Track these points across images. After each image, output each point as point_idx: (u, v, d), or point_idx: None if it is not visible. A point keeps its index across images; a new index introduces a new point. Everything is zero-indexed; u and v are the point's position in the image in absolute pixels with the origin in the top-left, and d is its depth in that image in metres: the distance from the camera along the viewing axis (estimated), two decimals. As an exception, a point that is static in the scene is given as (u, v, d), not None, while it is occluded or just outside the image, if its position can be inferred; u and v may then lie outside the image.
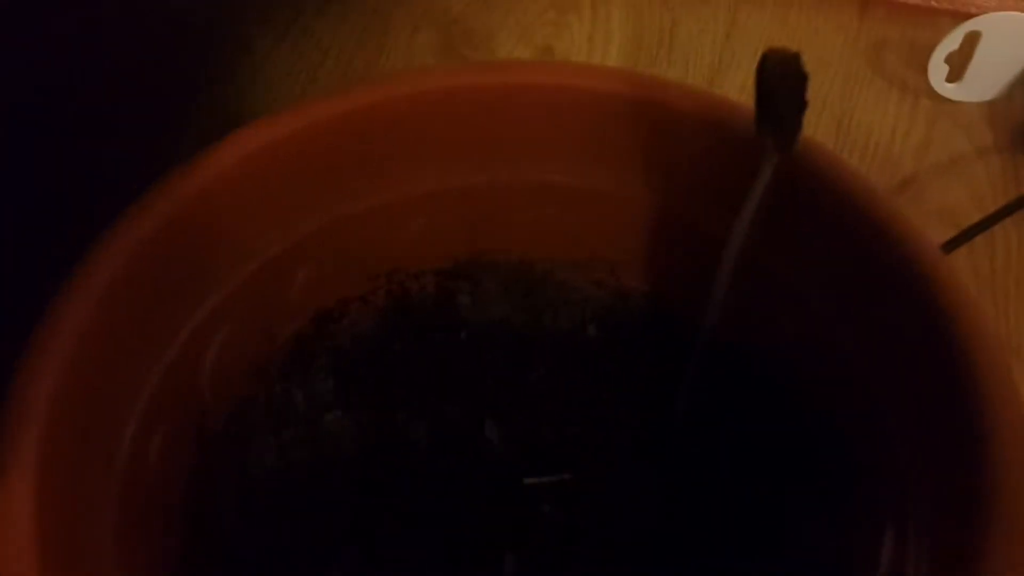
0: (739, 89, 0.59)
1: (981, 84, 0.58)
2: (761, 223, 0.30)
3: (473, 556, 0.32)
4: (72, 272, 0.27)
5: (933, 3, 0.63)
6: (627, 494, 0.34)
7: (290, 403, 0.34)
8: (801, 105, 0.27)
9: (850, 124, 0.61)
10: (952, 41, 0.55)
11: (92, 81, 0.45)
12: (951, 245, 0.48)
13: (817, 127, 0.60)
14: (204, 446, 0.31)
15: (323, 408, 0.34)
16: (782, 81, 0.26)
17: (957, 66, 0.57)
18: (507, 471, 0.34)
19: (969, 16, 0.55)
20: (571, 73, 0.33)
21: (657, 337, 0.36)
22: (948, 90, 0.58)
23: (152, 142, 0.46)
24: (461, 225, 0.36)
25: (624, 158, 0.34)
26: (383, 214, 0.34)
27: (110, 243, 0.27)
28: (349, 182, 0.33)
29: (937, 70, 0.57)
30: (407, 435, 0.34)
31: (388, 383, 0.35)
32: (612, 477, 0.34)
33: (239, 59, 0.58)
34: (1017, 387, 0.28)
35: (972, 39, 0.56)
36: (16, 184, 0.40)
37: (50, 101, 0.43)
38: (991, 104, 0.60)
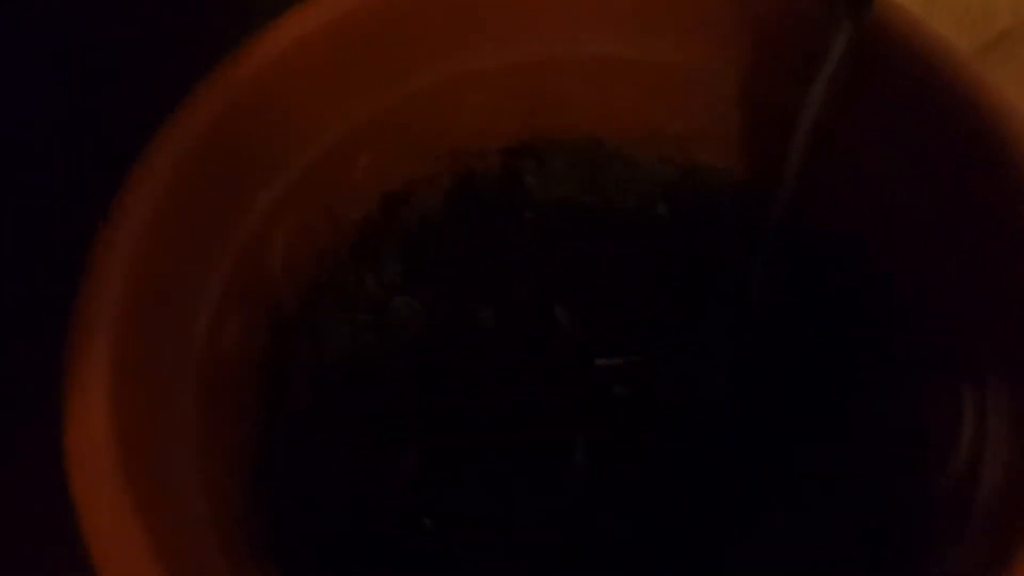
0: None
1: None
2: (837, 95, 0.29)
3: (543, 438, 0.32)
4: (134, 164, 0.27)
5: None
6: (699, 374, 0.33)
7: (360, 287, 0.34)
8: None
9: (942, -24, 0.57)
10: None
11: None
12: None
13: (906, -20, 0.57)
14: (278, 331, 0.32)
15: (392, 291, 0.34)
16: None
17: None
18: (577, 353, 0.34)
19: None
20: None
21: (730, 215, 0.35)
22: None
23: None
24: (521, 102, 0.35)
25: (689, 26, 0.32)
26: (439, 94, 0.34)
27: (169, 133, 0.27)
28: (403, 63, 0.33)
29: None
30: (475, 318, 0.34)
31: (455, 266, 0.35)
32: (684, 358, 0.34)
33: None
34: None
35: None
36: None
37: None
38: (1098, -52, 0.56)
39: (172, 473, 0.25)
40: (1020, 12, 0.56)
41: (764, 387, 0.33)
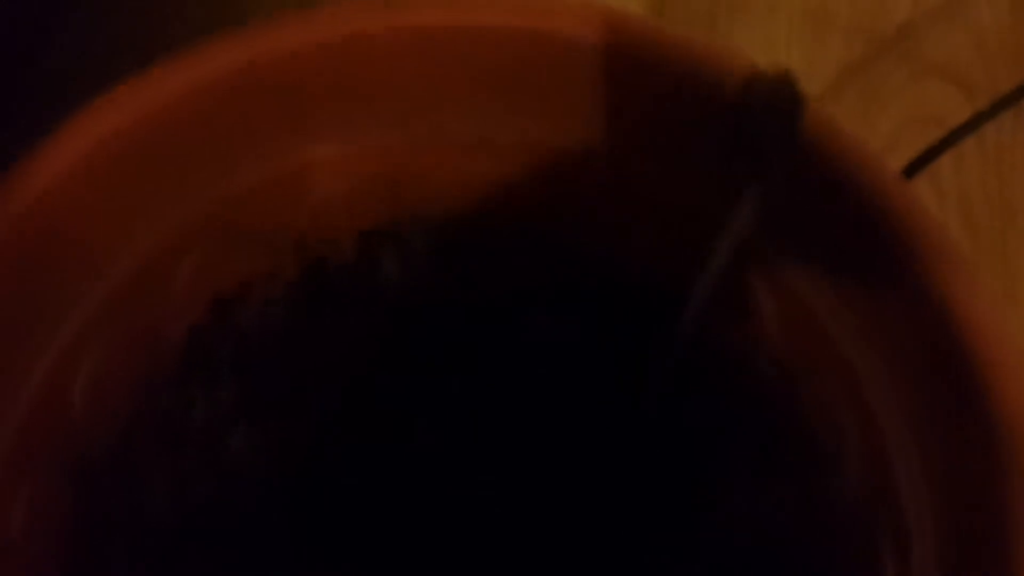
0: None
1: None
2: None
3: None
4: None
5: None
6: (586, 500, 0.29)
7: (186, 418, 0.29)
8: (793, 140, 0.20)
9: (839, -35, 0.53)
10: None
11: None
12: (952, 138, 0.42)
13: (802, -31, 0.52)
14: (85, 489, 0.26)
15: (226, 421, 0.29)
16: (771, 116, 0.20)
17: None
18: (449, 478, 0.29)
19: None
20: (486, 9, 0.26)
21: (615, 305, 0.31)
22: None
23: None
24: (379, 187, 0.30)
25: (566, 110, 0.28)
26: (281, 185, 0.28)
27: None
28: (234, 155, 0.27)
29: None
30: (329, 448, 0.29)
31: (302, 380, 0.30)
32: (570, 477, 0.30)
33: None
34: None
35: None
36: None
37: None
38: (1000, -69, 0.52)
39: None
40: (919, 4, 0.52)
41: (663, 510, 0.29)
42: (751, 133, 0.21)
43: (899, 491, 0.25)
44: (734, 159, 0.22)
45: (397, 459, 0.30)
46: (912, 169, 0.40)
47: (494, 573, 0.30)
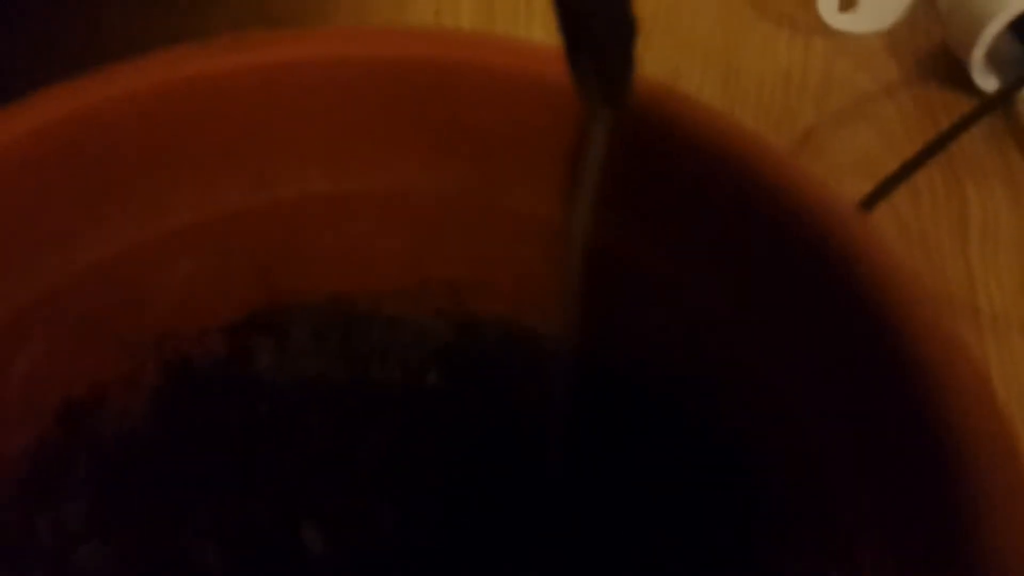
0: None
1: (877, 11, 0.51)
2: (616, 201, 0.23)
3: None
4: None
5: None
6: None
7: (30, 540, 0.25)
8: (628, 30, 0.18)
9: (738, 76, 0.53)
10: (838, -35, 0.48)
11: None
12: (870, 201, 0.41)
13: (702, 84, 0.53)
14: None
15: (76, 540, 0.25)
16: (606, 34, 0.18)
17: (848, -7, 0.50)
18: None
19: (855, -65, 0.48)
20: (342, 40, 0.24)
21: (519, 372, 0.28)
22: (842, 22, 0.51)
23: None
24: (247, 261, 0.27)
25: (441, 144, 0.26)
26: (130, 262, 0.25)
27: None
28: (71, 226, 0.24)
29: (827, 0, 0.50)
30: (193, 562, 0.25)
31: (167, 491, 0.26)
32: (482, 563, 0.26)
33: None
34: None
35: (861, -40, 0.49)
36: None
37: None
38: (891, 33, 0.53)
39: None
40: (825, 105, 0.52)
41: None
42: (576, 24, 0.19)
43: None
44: (572, 73, 0.19)
45: (276, 562, 0.26)
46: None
47: None
